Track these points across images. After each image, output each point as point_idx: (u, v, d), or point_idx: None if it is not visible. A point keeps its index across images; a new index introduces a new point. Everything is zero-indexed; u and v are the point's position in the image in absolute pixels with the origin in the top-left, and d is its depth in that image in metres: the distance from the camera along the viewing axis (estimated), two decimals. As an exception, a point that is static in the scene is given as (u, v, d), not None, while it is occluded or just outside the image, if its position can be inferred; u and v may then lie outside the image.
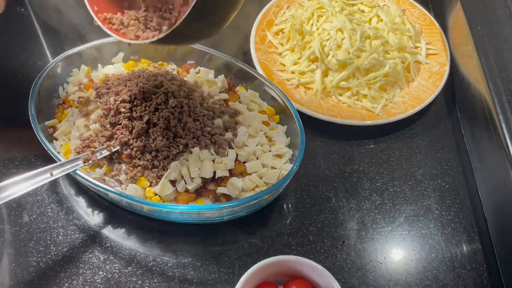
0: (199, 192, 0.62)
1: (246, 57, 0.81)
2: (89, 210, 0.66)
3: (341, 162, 0.73)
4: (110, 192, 0.59)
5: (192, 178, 0.61)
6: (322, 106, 0.76)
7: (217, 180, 0.63)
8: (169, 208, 0.59)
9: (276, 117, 0.71)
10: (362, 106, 0.77)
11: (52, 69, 0.70)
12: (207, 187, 0.62)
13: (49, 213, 0.65)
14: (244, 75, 0.73)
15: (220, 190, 0.62)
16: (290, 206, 0.68)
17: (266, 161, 0.64)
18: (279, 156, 0.66)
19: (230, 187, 0.62)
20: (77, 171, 0.59)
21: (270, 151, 0.66)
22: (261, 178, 0.63)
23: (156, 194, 0.61)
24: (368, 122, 0.75)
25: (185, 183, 0.61)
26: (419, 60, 0.84)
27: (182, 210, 0.60)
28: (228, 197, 0.62)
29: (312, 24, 0.83)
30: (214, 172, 0.62)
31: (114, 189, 0.59)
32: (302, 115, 0.71)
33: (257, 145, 0.65)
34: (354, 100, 0.78)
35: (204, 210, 0.61)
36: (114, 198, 0.62)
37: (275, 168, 0.65)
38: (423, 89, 0.80)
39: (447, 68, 0.82)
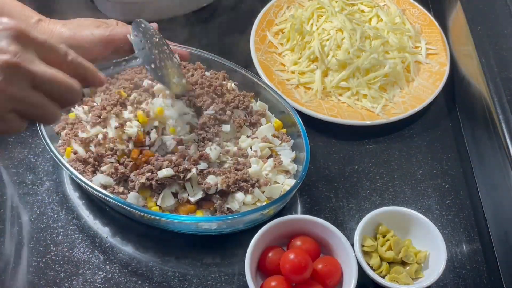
0: (200, 204, 0.61)
1: (246, 57, 0.81)
2: (89, 210, 0.66)
3: (341, 162, 0.73)
4: (110, 199, 0.59)
5: (195, 191, 0.61)
6: (322, 106, 0.76)
7: (219, 193, 0.62)
8: (168, 218, 0.59)
9: (283, 130, 0.70)
10: (362, 106, 0.77)
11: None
12: (209, 198, 0.62)
13: (49, 213, 0.65)
14: (254, 86, 0.72)
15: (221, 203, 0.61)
16: (289, 206, 0.68)
17: (269, 175, 0.63)
18: (283, 171, 0.65)
19: (231, 200, 0.61)
20: (80, 177, 0.59)
21: (275, 166, 0.65)
22: (263, 192, 0.62)
23: (157, 204, 0.61)
24: (368, 122, 0.75)
25: (188, 195, 0.61)
26: (419, 60, 0.84)
27: (181, 221, 0.59)
28: (229, 210, 0.61)
29: (312, 24, 0.83)
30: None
31: (114, 196, 0.59)
32: (302, 115, 0.71)
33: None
34: (354, 100, 0.78)
35: (202, 221, 0.60)
36: (114, 205, 0.62)
37: (278, 183, 0.64)
38: (423, 89, 0.80)
39: (447, 68, 0.82)
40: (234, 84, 0.71)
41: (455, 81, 0.83)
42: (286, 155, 0.66)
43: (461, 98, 0.81)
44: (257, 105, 0.71)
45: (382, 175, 0.72)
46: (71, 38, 0.64)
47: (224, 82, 0.70)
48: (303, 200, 0.69)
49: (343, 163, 0.73)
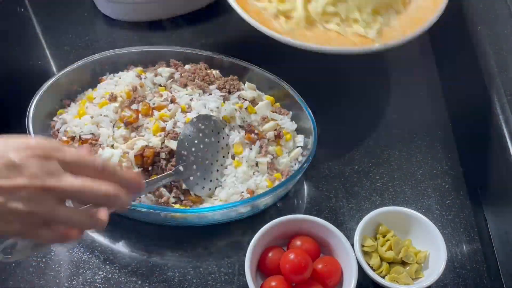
0: None
1: (247, 58, 0.81)
2: (89, 210, 0.66)
3: (341, 162, 0.73)
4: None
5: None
6: (307, 36, 0.67)
7: None
8: (195, 212, 0.60)
9: (277, 104, 0.72)
10: (354, 32, 0.68)
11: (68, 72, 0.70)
12: None
13: (49, 213, 0.65)
14: (237, 69, 0.73)
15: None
16: (290, 206, 0.68)
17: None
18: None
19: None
20: None
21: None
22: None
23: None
24: (362, 49, 0.66)
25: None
26: None
27: (205, 212, 0.60)
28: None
29: None
30: None
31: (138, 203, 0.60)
32: (285, 47, 0.65)
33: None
34: (344, 28, 0.68)
35: (213, 211, 0.61)
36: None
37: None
38: (422, 11, 0.71)
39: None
40: (218, 71, 0.72)
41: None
42: (290, 127, 0.68)
43: (461, 98, 0.81)
44: (246, 87, 0.72)
45: (382, 175, 0.72)
46: None
47: (208, 71, 0.70)
48: (303, 200, 0.69)
49: (343, 163, 0.73)
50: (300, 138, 0.69)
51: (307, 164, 0.63)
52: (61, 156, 0.40)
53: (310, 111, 0.68)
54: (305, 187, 0.70)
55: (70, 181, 0.40)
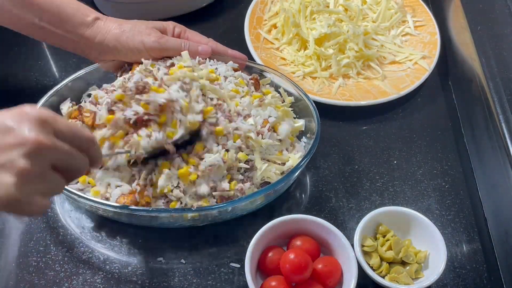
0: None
1: (248, 57, 0.81)
2: (89, 210, 0.66)
3: (341, 162, 0.73)
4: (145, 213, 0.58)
5: None
6: (332, 92, 0.79)
7: None
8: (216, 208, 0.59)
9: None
10: (372, 85, 0.79)
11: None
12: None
13: (49, 213, 0.65)
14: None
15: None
16: (290, 206, 0.68)
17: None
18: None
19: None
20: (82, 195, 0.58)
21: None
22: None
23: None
24: (380, 100, 0.77)
25: None
26: (408, 32, 0.88)
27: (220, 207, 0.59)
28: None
29: (306, 17, 0.85)
30: None
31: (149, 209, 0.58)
32: (317, 104, 0.72)
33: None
34: (359, 78, 0.81)
35: (211, 210, 0.60)
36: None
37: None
38: (423, 61, 0.83)
39: (438, 37, 0.86)
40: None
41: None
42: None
43: (461, 98, 0.81)
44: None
45: (382, 175, 0.72)
46: (122, 43, 0.66)
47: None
48: (302, 200, 0.69)
49: (343, 163, 0.73)
50: (301, 122, 0.69)
51: (317, 141, 0.64)
52: (55, 123, 0.42)
53: (305, 92, 0.68)
54: (306, 186, 0.70)
55: (61, 144, 0.42)
